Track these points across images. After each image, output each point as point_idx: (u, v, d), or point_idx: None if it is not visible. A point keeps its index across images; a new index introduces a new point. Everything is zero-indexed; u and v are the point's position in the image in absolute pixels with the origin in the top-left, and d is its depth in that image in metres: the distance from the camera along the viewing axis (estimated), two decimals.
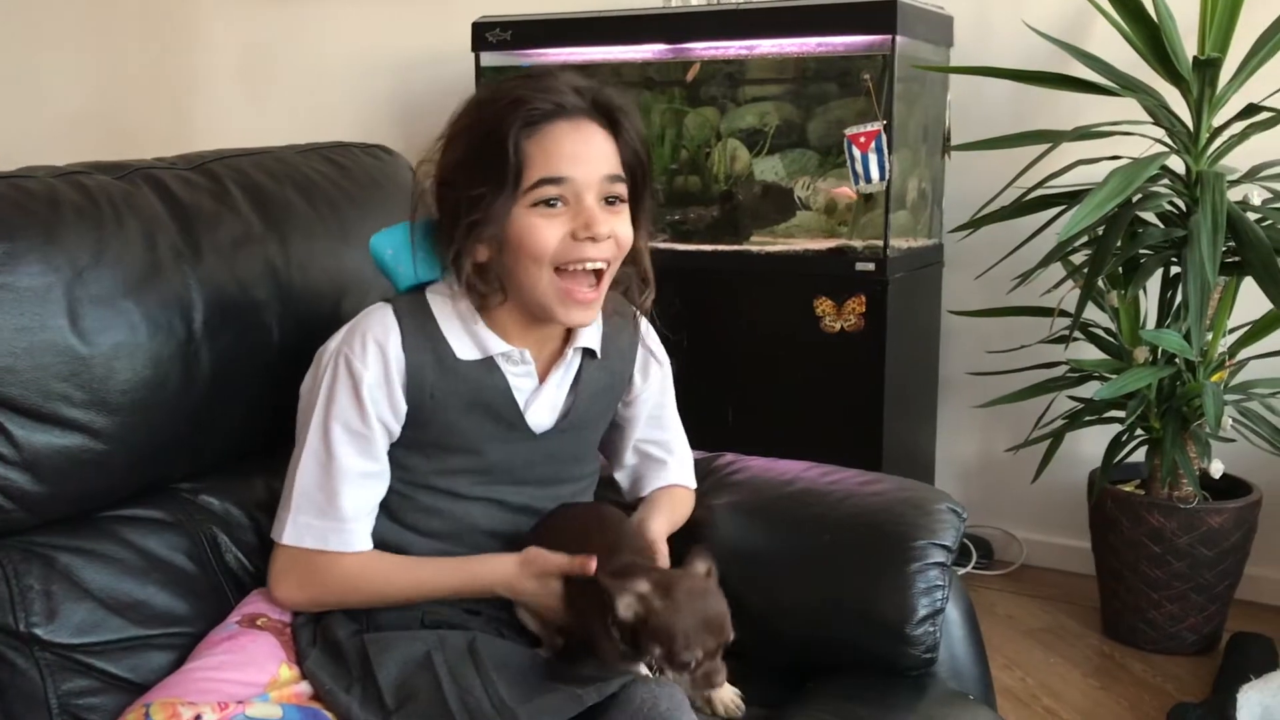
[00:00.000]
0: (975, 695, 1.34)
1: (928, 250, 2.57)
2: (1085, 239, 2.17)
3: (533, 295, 1.17)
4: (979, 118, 2.52)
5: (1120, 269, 2.18)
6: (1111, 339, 2.30)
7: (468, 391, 1.20)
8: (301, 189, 1.44)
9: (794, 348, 2.36)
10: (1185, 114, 2.16)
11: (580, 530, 1.22)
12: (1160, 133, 2.19)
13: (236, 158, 1.43)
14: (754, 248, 2.51)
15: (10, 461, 1.11)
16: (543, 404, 1.25)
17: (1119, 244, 2.05)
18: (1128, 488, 2.31)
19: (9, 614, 1.10)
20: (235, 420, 1.33)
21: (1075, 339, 2.21)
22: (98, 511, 1.21)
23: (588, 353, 1.28)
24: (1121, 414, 2.20)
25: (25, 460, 1.11)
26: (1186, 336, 2.05)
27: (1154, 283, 2.23)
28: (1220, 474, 2.24)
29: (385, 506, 1.22)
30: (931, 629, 1.27)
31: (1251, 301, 2.12)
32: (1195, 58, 2.06)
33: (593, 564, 1.12)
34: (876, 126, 2.28)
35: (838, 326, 2.31)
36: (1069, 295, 2.22)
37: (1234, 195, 2.08)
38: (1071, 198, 2.17)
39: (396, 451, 1.21)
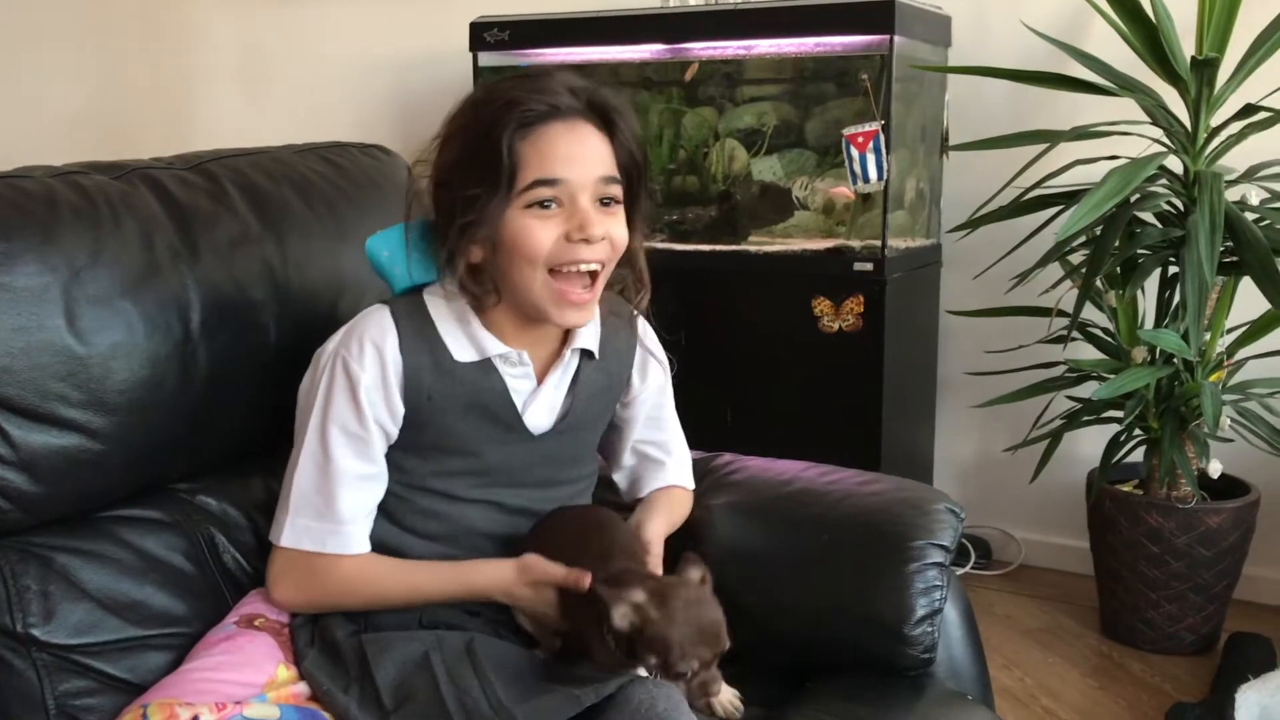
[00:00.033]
0: (973, 695, 1.33)
1: (926, 250, 2.57)
2: (1083, 239, 2.17)
3: (527, 297, 1.17)
4: (977, 118, 2.52)
5: (1118, 269, 2.18)
6: (1109, 339, 2.30)
7: (465, 393, 1.20)
8: (299, 189, 1.44)
9: (792, 348, 2.35)
10: (1183, 114, 2.16)
11: (576, 535, 1.22)
12: (1158, 133, 2.19)
13: (234, 158, 1.43)
14: (752, 248, 2.50)
15: (7, 461, 1.10)
16: (541, 405, 1.24)
17: (1117, 244, 2.05)
18: (1126, 488, 2.31)
19: (6, 614, 1.09)
20: (233, 420, 1.32)
21: (1073, 339, 2.21)
22: (95, 512, 1.21)
23: (586, 354, 1.28)
24: (1120, 414, 2.20)
25: (22, 460, 1.11)
26: (1184, 336, 2.05)
27: (1152, 283, 2.23)
28: (1218, 474, 2.24)
29: (383, 509, 1.22)
30: (930, 629, 1.27)
31: (1249, 301, 2.12)
32: (1193, 58, 2.06)
33: (586, 579, 1.11)
34: (874, 126, 2.28)
35: (836, 326, 2.31)
36: (1067, 295, 2.22)
37: (1232, 195, 2.08)
38: (1069, 198, 2.17)
39: (394, 454, 1.21)
